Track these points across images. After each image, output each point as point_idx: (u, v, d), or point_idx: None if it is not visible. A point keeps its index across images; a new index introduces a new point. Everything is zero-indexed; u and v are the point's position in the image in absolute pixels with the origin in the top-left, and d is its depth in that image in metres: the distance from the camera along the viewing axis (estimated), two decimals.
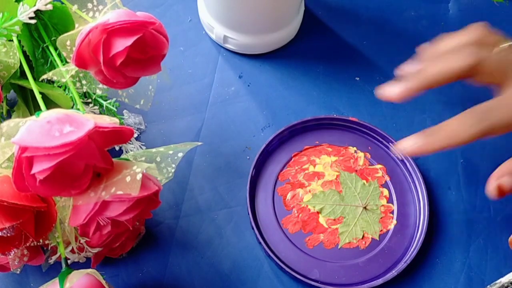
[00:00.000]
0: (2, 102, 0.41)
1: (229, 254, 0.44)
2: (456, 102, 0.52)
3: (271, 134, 0.48)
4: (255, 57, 0.54)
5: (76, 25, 0.37)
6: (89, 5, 0.36)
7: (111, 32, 0.33)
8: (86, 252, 0.37)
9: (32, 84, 0.35)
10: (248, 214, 0.44)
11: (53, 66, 0.38)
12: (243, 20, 0.50)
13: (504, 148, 0.50)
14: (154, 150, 0.37)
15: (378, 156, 0.49)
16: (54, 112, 0.30)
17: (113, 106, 0.42)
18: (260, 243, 0.43)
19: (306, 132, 0.49)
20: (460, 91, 0.53)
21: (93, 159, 0.31)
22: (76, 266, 0.37)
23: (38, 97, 0.34)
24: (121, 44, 0.32)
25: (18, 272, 0.42)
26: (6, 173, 0.32)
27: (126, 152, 0.45)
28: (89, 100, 0.42)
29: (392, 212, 0.46)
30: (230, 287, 0.43)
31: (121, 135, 0.33)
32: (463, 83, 0.53)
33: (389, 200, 0.47)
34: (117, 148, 0.43)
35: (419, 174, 0.46)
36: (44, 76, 0.36)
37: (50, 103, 0.40)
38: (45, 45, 0.38)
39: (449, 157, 0.49)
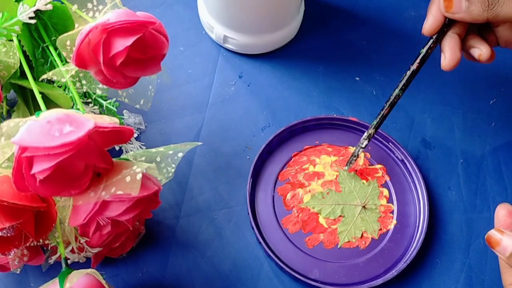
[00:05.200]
0: (2, 102, 0.41)
1: (229, 254, 0.44)
2: (456, 103, 0.52)
3: (271, 134, 0.48)
4: (255, 57, 0.54)
5: (76, 25, 0.37)
6: (89, 5, 0.36)
7: (111, 32, 0.33)
8: (86, 252, 0.37)
9: (32, 84, 0.35)
10: (248, 214, 0.44)
11: (53, 66, 0.38)
12: (243, 20, 0.50)
13: (504, 148, 0.50)
14: (154, 150, 0.37)
15: (378, 156, 0.49)
16: (54, 112, 0.30)
17: (113, 106, 0.42)
18: (260, 243, 0.43)
19: (306, 132, 0.49)
20: (460, 92, 0.53)
21: (93, 159, 0.31)
22: (76, 266, 0.37)
23: (38, 97, 0.34)
24: (121, 44, 0.32)
25: (18, 272, 0.42)
26: (6, 173, 0.32)
27: (126, 152, 0.45)
28: (89, 100, 0.42)
29: (392, 212, 0.46)
30: (230, 287, 0.43)
31: (121, 135, 0.33)
32: (463, 85, 0.54)
33: (389, 200, 0.47)
34: (117, 148, 0.43)
35: (419, 174, 0.46)
36: (44, 76, 0.36)
37: (50, 103, 0.40)
38: (45, 45, 0.38)
39: (449, 157, 0.49)
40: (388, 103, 0.43)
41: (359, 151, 0.45)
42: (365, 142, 0.44)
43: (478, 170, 0.49)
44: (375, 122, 0.44)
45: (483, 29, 0.41)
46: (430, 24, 0.40)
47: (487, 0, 0.37)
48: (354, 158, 0.45)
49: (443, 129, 0.51)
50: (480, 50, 0.40)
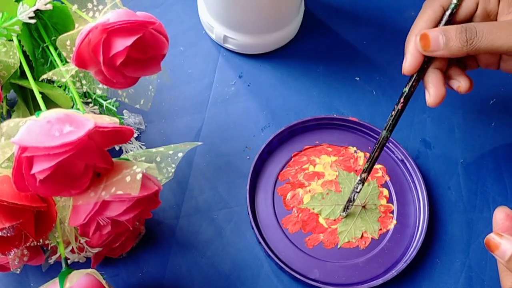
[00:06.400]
0: (2, 102, 0.41)
1: (229, 254, 0.44)
2: (456, 103, 0.52)
3: (271, 134, 0.48)
4: (255, 57, 0.54)
5: (76, 25, 0.37)
6: (89, 5, 0.36)
7: (111, 32, 0.33)
8: (86, 252, 0.37)
9: (32, 84, 0.35)
10: (248, 214, 0.44)
11: (53, 66, 0.38)
12: (243, 20, 0.50)
13: (504, 148, 0.50)
14: (154, 150, 0.37)
15: None
16: (54, 112, 0.30)
17: (113, 106, 0.42)
18: (260, 243, 0.43)
19: (306, 132, 0.49)
20: None
21: (93, 159, 0.31)
22: (76, 266, 0.37)
23: (38, 97, 0.34)
24: (121, 44, 0.32)
25: (18, 272, 0.42)
26: (6, 173, 0.32)
27: (126, 152, 0.45)
28: (89, 100, 0.42)
29: (392, 212, 0.46)
30: (230, 287, 0.43)
31: (121, 135, 0.33)
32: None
33: (389, 200, 0.47)
34: (117, 148, 0.43)
35: (419, 174, 0.46)
36: (44, 76, 0.36)
37: (50, 103, 0.40)
38: (45, 45, 0.38)
39: (449, 157, 0.49)
40: (377, 146, 0.41)
41: (354, 195, 0.43)
42: (360, 187, 0.43)
43: (478, 170, 0.49)
44: (366, 166, 0.42)
45: None
46: (409, 64, 0.39)
47: (465, 35, 0.36)
48: (351, 204, 0.44)
49: (443, 129, 0.51)
50: (459, 83, 0.39)
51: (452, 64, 0.40)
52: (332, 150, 0.49)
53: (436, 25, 0.39)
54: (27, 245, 0.34)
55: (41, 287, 0.35)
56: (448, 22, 0.38)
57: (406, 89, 0.40)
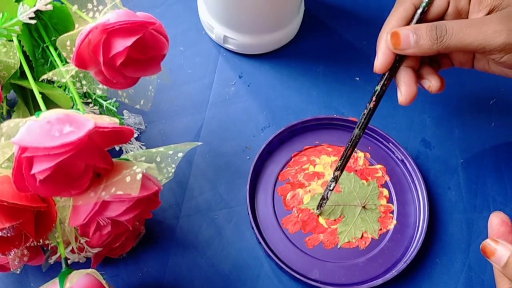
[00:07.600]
0: (2, 102, 0.41)
1: (229, 254, 0.44)
2: (456, 103, 0.52)
3: (271, 134, 0.48)
4: (255, 57, 0.54)
5: (76, 25, 0.37)
6: (89, 5, 0.36)
7: (111, 32, 0.33)
8: (86, 252, 0.37)
9: (32, 84, 0.35)
10: (248, 214, 0.44)
11: (53, 66, 0.38)
12: (243, 20, 0.50)
13: (504, 148, 0.50)
14: (154, 150, 0.37)
15: (378, 156, 0.49)
16: (54, 112, 0.30)
17: (113, 106, 0.42)
18: (260, 243, 0.43)
19: (306, 132, 0.49)
20: (460, 92, 0.53)
21: (93, 159, 0.31)
22: (76, 266, 0.37)
23: (38, 97, 0.34)
24: (121, 44, 0.33)
25: (18, 272, 0.42)
26: (6, 173, 0.32)
27: (126, 152, 0.45)
28: (89, 100, 0.42)
29: (392, 212, 0.46)
30: (230, 287, 0.43)
31: (121, 135, 0.33)
32: (463, 85, 0.54)
33: (389, 200, 0.47)
34: (117, 148, 0.43)
35: (419, 174, 0.46)
36: (44, 76, 0.36)
37: (50, 103, 0.40)
38: (45, 45, 0.38)
39: (449, 157, 0.49)
40: (350, 144, 0.41)
41: (327, 193, 0.43)
42: (333, 185, 0.43)
43: (478, 170, 0.49)
44: (339, 164, 0.42)
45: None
46: (381, 62, 0.39)
47: (435, 33, 0.36)
48: (324, 202, 0.44)
49: (443, 129, 0.51)
50: (430, 82, 0.39)
51: (424, 63, 0.40)
52: (332, 150, 0.49)
53: (408, 23, 0.39)
54: (27, 245, 0.34)
55: (41, 287, 0.35)
56: (419, 21, 0.38)
57: (378, 88, 0.39)
